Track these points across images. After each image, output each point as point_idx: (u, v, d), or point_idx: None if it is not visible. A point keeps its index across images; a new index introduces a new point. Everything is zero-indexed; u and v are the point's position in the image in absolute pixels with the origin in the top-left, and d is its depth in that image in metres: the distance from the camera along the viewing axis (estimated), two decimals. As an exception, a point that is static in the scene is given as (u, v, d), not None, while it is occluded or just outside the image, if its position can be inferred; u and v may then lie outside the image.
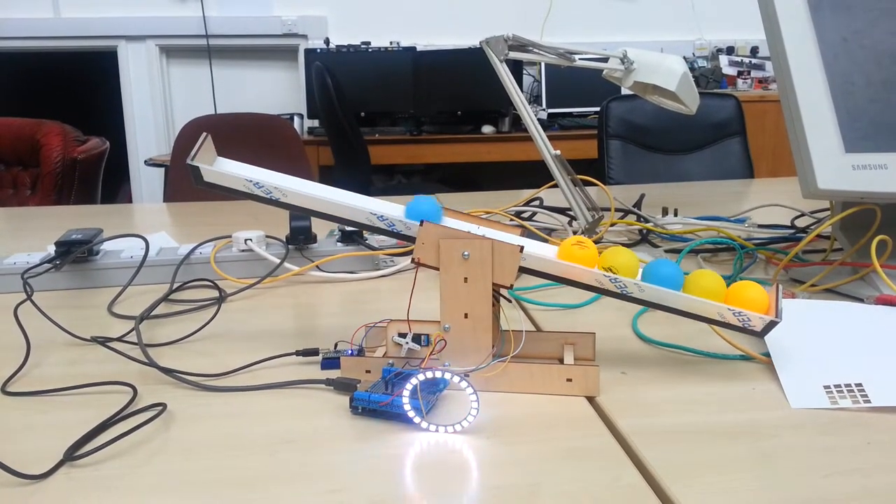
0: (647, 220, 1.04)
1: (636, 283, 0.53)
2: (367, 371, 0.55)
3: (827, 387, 0.52)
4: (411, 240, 0.54)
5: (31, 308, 0.65)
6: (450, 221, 0.55)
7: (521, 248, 0.51)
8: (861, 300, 0.70)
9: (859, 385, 0.51)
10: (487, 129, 3.23)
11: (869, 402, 0.50)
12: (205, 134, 0.56)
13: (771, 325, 0.52)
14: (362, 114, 3.28)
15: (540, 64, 3.46)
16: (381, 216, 0.54)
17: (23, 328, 0.62)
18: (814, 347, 0.57)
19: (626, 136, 2.32)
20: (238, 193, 0.55)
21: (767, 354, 0.57)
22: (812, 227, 1.00)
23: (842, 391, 0.51)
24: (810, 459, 0.44)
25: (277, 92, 3.63)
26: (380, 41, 3.44)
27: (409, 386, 0.47)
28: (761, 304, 0.52)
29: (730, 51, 3.69)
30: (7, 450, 0.45)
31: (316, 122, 3.33)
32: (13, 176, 2.44)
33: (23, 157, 2.40)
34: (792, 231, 1.00)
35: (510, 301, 0.57)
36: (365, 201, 0.56)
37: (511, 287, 0.52)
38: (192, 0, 3.45)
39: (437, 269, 0.52)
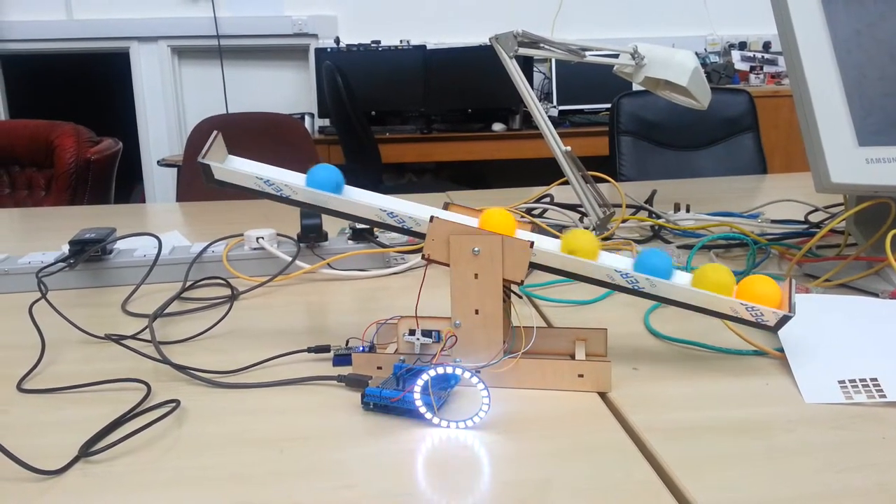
0: (658, 217, 1.03)
1: (647, 278, 0.52)
2: (379, 367, 0.55)
3: (841, 382, 0.51)
4: (421, 236, 0.54)
5: (45, 306, 0.65)
6: (459, 217, 0.55)
7: (532, 243, 0.51)
8: (876, 295, 0.69)
9: (874, 380, 0.51)
10: (498, 126, 3.23)
11: (884, 396, 0.49)
12: (215, 132, 0.57)
13: (784, 320, 0.51)
14: (373, 112, 3.29)
15: (550, 60, 3.45)
16: (391, 213, 0.54)
17: (38, 326, 0.62)
18: (828, 342, 0.57)
19: (637, 132, 2.31)
20: (249, 191, 0.55)
21: (781, 350, 0.57)
22: (826, 221, 0.99)
23: (856, 386, 0.51)
24: (824, 455, 0.43)
25: (288, 91, 3.65)
26: (390, 40, 3.44)
27: (420, 382, 0.47)
28: (773, 299, 0.52)
29: (742, 46, 3.67)
30: (23, 446, 0.46)
31: (327, 122, 3.34)
32: (28, 177, 2.46)
33: (37, 159, 2.42)
34: (805, 226, 0.99)
35: (521, 297, 0.57)
36: (375, 198, 0.56)
37: (521, 283, 0.52)
38: (204, 1, 3.47)
39: (448, 265, 0.52)
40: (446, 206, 0.57)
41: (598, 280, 0.53)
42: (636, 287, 0.53)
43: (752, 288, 0.53)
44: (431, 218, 0.52)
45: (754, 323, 0.52)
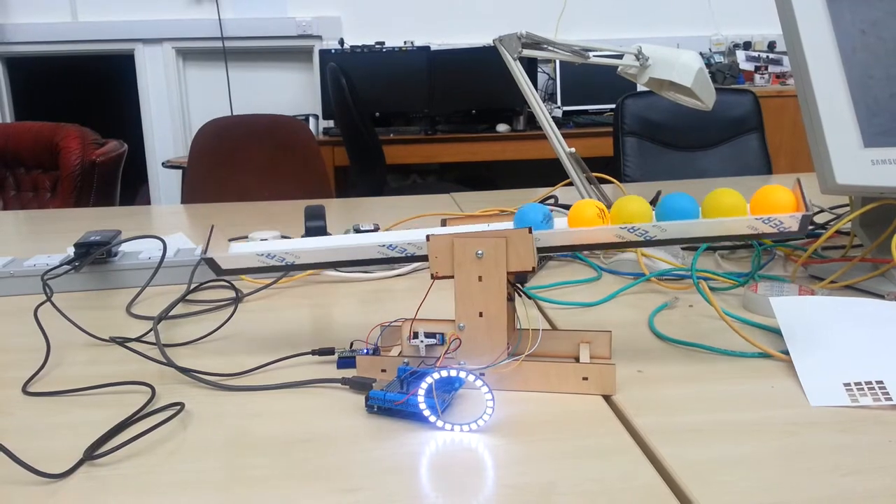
0: (663, 218, 1.03)
1: (656, 225, 0.52)
2: (383, 370, 0.55)
3: (847, 384, 0.51)
4: (427, 259, 0.54)
5: (50, 309, 0.65)
6: (457, 230, 0.55)
7: (530, 228, 0.51)
8: (881, 297, 0.69)
9: (880, 382, 0.51)
10: (502, 127, 3.22)
11: (890, 399, 0.49)
12: (212, 226, 0.58)
13: (806, 221, 0.49)
14: (377, 114, 3.29)
15: (554, 61, 3.44)
16: (391, 245, 0.55)
17: (43, 329, 0.62)
18: (833, 345, 0.56)
19: (641, 132, 2.31)
20: (256, 271, 0.57)
21: (786, 352, 0.56)
22: (831, 223, 0.99)
23: (862, 389, 0.51)
24: (830, 458, 0.43)
25: (293, 93, 3.65)
26: (394, 41, 3.44)
27: (424, 385, 0.47)
28: (788, 205, 0.50)
29: (747, 46, 3.66)
30: (28, 449, 0.46)
31: (331, 123, 3.34)
32: (33, 179, 2.47)
33: (42, 161, 2.43)
34: (811, 227, 0.99)
35: (529, 298, 0.57)
36: (372, 238, 0.57)
37: (534, 270, 0.51)
38: (208, 2, 3.47)
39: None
40: (444, 223, 0.57)
41: (607, 244, 0.53)
42: (647, 237, 0.52)
43: (763, 200, 0.50)
44: (428, 237, 0.52)
45: (777, 234, 0.50)
